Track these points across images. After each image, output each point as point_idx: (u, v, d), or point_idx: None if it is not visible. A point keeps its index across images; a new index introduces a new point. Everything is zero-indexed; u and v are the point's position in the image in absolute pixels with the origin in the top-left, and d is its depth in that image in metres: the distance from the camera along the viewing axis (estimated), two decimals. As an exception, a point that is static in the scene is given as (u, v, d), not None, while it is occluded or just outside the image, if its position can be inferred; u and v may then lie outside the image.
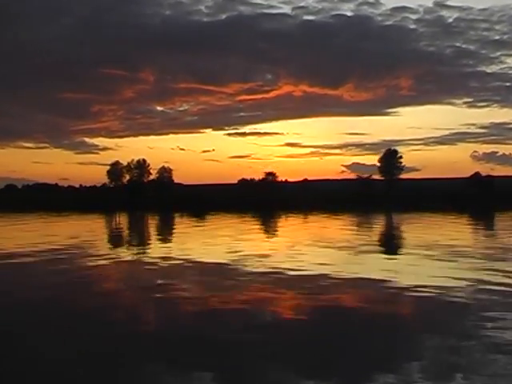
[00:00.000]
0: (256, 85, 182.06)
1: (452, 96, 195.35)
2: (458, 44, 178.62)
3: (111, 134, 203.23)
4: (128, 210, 72.79)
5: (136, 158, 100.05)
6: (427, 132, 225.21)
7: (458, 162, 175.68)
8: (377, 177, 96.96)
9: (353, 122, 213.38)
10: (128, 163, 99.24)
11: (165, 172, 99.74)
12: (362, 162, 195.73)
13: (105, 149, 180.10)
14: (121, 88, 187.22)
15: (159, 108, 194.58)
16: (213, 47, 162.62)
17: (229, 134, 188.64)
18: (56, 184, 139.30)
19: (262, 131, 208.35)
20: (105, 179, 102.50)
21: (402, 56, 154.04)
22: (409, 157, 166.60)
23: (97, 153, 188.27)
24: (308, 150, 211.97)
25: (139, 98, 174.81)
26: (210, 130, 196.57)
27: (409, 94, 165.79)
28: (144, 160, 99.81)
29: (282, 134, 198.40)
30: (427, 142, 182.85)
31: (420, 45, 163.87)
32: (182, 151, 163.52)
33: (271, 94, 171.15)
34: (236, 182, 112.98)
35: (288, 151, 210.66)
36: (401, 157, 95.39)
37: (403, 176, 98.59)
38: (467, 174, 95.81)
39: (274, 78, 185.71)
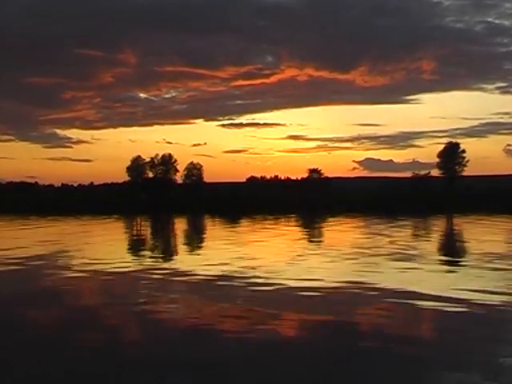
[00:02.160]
0: (254, 68, 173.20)
1: (483, 80, 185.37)
2: (489, 19, 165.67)
3: (86, 124, 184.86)
4: (151, 212, 69.29)
5: (161, 153, 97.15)
6: (453, 122, 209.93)
7: (489, 157, 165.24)
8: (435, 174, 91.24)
9: (366, 111, 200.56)
10: (152, 158, 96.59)
11: (194, 169, 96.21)
12: (376, 157, 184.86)
13: (79, 142, 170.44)
14: (97, 71, 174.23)
15: (142, 95, 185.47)
16: (204, 24, 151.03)
17: (223, 125, 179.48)
18: (36, 183, 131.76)
19: (261, 122, 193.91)
20: (78, 177, 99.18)
21: (424, 34, 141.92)
22: (431, 151, 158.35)
23: (70, 147, 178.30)
24: (314, 144, 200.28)
25: (119, 83, 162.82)
26: (202, 120, 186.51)
27: (432, 79, 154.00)
28: (170, 155, 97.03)
29: (285, 125, 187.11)
30: (453, 134, 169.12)
31: (445, 20, 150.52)
32: (169, 145, 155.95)
33: (272, 79, 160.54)
34: (244, 180, 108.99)
35: (291, 145, 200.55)
36: (464, 151, 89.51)
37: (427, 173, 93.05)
38: (501, 170, 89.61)
39: (275, 60, 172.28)
